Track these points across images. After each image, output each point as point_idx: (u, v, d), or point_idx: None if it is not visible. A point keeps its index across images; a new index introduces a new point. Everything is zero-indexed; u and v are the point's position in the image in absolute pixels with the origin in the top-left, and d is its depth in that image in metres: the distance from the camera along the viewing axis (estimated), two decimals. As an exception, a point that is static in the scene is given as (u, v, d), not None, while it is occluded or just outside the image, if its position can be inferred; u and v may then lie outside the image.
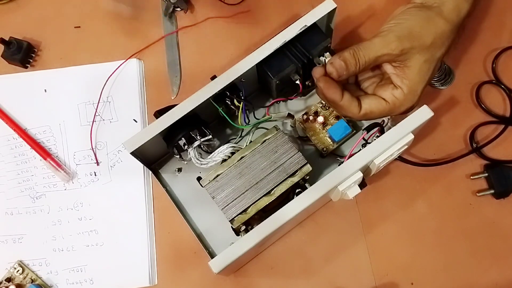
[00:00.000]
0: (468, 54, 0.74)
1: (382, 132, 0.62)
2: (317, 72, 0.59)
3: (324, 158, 0.69)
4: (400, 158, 0.68)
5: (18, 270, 0.67)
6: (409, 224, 0.68)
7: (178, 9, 0.77)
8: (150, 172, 0.69)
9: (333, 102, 0.59)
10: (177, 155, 0.63)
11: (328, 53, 0.63)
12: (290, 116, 0.65)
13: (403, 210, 0.69)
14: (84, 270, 0.68)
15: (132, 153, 0.60)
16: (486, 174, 0.69)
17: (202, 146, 0.63)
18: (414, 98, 0.59)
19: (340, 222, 0.69)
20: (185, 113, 0.59)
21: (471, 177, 0.69)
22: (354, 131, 0.68)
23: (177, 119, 0.59)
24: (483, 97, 0.72)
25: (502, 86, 0.72)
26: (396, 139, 0.57)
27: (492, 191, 0.68)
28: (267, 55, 0.61)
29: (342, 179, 0.56)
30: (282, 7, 0.77)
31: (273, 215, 0.55)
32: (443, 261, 0.67)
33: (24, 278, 0.67)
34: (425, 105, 0.58)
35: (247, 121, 0.64)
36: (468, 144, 0.70)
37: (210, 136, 0.63)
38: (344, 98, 0.58)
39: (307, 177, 0.61)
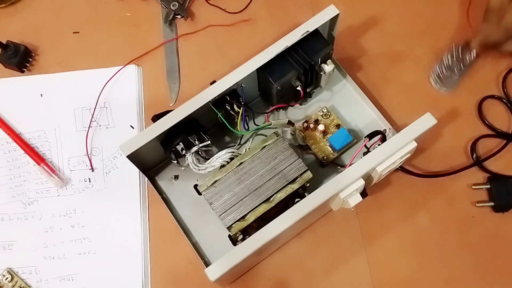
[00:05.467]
0: (474, 66, 0.73)
1: (384, 140, 0.61)
2: None
3: (324, 168, 0.68)
4: (401, 169, 0.67)
5: (7, 278, 0.65)
6: (410, 236, 0.66)
7: (179, 16, 0.76)
8: (146, 179, 0.67)
9: None
10: (174, 160, 0.62)
11: (330, 60, 0.63)
12: (290, 123, 0.64)
13: (405, 222, 0.67)
14: (76, 279, 0.66)
15: (129, 157, 0.58)
16: (488, 186, 0.67)
17: (200, 152, 0.62)
18: None
19: (340, 234, 0.67)
20: (184, 117, 0.58)
21: (473, 187, 0.68)
22: (355, 140, 0.67)
23: (175, 122, 0.58)
24: (486, 111, 0.71)
25: (504, 100, 0.71)
26: (399, 146, 0.56)
27: (492, 204, 0.67)
28: (268, 60, 0.60)
29: (344, 186, 0.55)
30: (284, 16, 0.77)
31: (272, 221, 0.53)
32: (446, 275, 0.65)
33: (13, 286, 0.65)
34: (428, 113, 0.57)
35: (246, 127, 0.63)
36: (469, 157, 0.69)
37: (209, 142, 0.61)
38: None
39: (307, 185, 0.60)
